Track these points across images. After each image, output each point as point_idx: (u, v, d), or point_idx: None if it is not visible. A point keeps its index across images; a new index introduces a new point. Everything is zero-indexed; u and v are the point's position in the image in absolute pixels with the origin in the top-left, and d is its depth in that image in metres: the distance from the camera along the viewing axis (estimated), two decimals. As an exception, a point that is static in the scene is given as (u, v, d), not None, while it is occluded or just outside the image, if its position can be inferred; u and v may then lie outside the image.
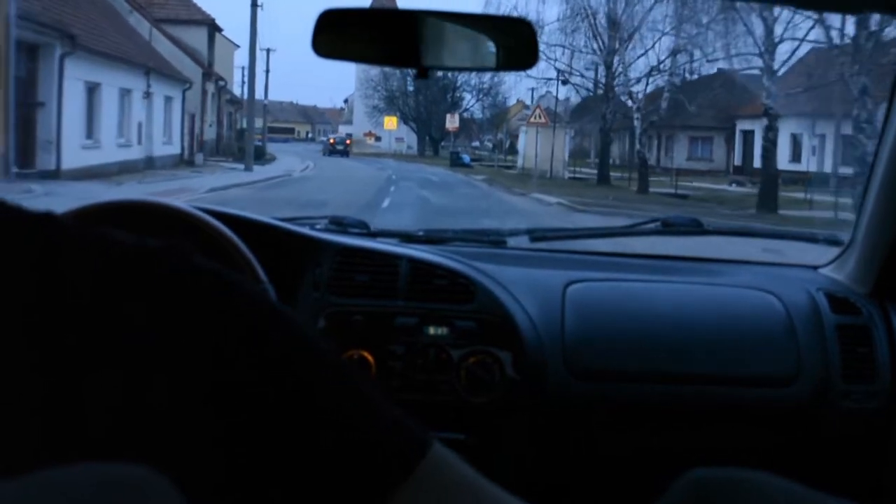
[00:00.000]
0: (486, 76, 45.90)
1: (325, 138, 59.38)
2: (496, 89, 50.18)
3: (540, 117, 30.09)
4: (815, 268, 2.16)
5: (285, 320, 0.59)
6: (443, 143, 51.56)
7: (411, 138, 54.67)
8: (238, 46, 40.12)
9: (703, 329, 1.90)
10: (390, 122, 48.93)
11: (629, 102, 27.33)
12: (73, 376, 0.53)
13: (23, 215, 0.57)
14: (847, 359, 1.88)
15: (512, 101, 52.43)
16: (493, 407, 1.79)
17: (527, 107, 43.43)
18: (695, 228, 2.29)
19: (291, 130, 73.70)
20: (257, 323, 0.58)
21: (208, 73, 33.34)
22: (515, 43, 1.39)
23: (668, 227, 2.25)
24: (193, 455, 0.55)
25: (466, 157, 41.02)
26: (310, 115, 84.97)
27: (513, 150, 47.49)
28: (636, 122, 26.24)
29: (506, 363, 1.78)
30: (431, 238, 2.10)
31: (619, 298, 1.94)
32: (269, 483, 0.55)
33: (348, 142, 54.02)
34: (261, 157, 32.96)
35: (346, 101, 55.01)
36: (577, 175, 31.86)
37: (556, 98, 32.76)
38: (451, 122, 39.03)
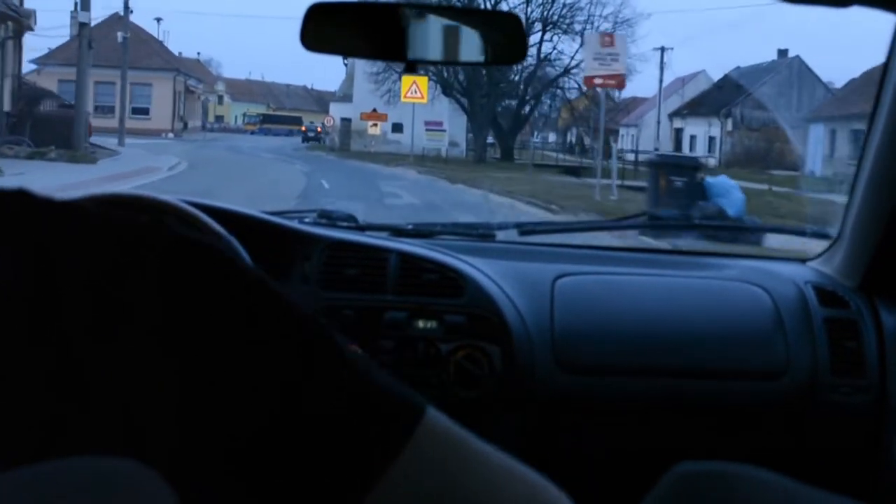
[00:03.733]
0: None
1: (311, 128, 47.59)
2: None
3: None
4: (804, 261, 2.17)
5: (281, 299, 0.58)
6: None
7: (457, 127, 32.21)
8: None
9: (691, 322, 1.90)
10: (413, 86, 25.57)
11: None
12: (71, 368, 0.53)
13: (26, 205, 0.56)
14: (835, 352, 1.89)
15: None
16: (483, 401, 1.79)
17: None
18: (683, 223, 2.29)
19: (297, 120, 58.78)
20: (253, 300, 0.57)
21: None
22: (503, 37, 1.39)
23: (657, 221, 2.25)
24: (186, 444, 0.54)
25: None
26: (327, 102, 68.70)
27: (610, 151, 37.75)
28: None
29: (495, 357, 1.78)
30: (420, 232, 2.09)
31: (608, 292, 1.94)
32: (261, 462, 0.54)
33: (318, 129, 44.17)
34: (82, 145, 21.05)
35: (345, 63, 35.40)
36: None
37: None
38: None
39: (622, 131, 43.20)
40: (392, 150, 31.46)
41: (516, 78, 33.71)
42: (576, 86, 33.43)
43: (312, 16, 1.35)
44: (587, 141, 38.41)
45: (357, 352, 0.61)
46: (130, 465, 0.49)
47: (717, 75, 42.09)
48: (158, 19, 56.73)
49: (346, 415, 0.55)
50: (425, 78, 27.59)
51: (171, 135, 40.97)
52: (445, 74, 30.86)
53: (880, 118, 1.89)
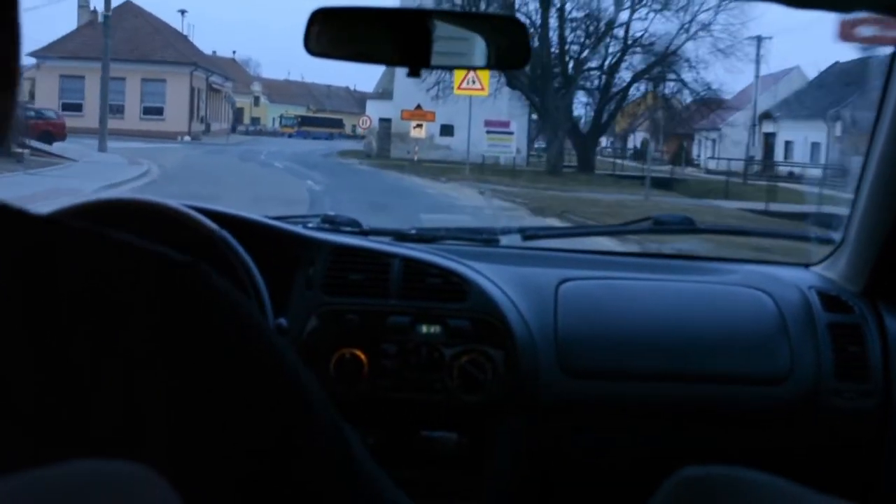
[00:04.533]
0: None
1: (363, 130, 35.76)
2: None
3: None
4: (807, 266, 2.17)
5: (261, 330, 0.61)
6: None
7: (517, 129, 24.56)
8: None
9: (695, 327, 1.90)
10: (471, 74, 20.10)
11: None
12: (70, 374, 0.53)
13: (23, 217, 0.57)
14: (839, 357, 1.89)
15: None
16: (486, 405, 1.79)
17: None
18: (687, 227, 2.29)
19: (337, 122, 54.06)
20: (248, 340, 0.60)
21: None
22: (507, 42, 1.40)
23: (660, 226, 2.25)
24: (189, 454, 0.55)
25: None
26: (373, 104, 62.57)
27: (682, 158, 32.41)
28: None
29: (498, 362, 1.78)
30: (424, 236, 2.10)
31: (611, 297, 1.94)
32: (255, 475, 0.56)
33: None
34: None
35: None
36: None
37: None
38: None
39: (698, 137, 37.43)
40: (440, 158, 25.59)
41: (598, 66, 27.26)
42: (673, 77, 26.94)
43: (316, 20, 1.35)
44: (652, 146, 32.59)
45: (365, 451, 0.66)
46: (139, 470, 0.50)
47: (811, 72, 34.66)
48: (182, 11, 51.85)
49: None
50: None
51: (187, 138, 35.07)
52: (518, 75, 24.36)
53: (884, 123, 1.89)
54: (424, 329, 1.80)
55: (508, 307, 1.83)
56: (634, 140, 40.42)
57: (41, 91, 32.58)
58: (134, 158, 20.78)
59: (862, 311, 1.95)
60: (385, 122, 30.46)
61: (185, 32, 42.63)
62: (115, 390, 0.54)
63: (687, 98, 27.45)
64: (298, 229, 1.94)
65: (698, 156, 37.56)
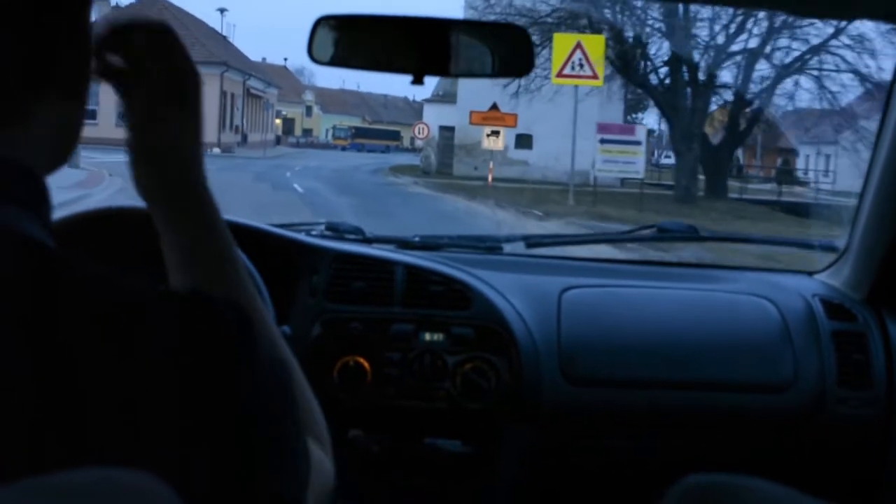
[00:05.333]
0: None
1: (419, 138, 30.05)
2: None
3: None
4: (811, 274, 2.17)
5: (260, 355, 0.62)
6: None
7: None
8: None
9: (698, 335, 1.90)
10: (577, 52, 14.89)
11: None
12: (70, 384, 0.54)
13: (26, 241, 0.58)
14: (843, 365, 1.88)
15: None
16: (489, 413, 1.79)
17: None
18: (691, 234, 2.29)
19: (394, 134, 49.73)
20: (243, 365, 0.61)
21: None
22: (511, 50, 1.40)
23: (664, 234, 2.25)
24: (187, 463, 0.55)
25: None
26: (431, 116, 55.48)
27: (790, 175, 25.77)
28: None
29: (501, 369, 1.78)
30: (427, 244, 2.10)
31: (614, 305, 1.94)
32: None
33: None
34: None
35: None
36: None
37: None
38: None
39: (805, 151, 30.02)
40: (516, 176, 19.64)
41: (734, 59, 19.36)
42: (834, 67, 18.50)
43: (320, 28, 1.35)
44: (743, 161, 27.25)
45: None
46: (144, 478, 0.50)
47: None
48: (222, 10, 48.52)
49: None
50: (600, 38, 15.97)
51: (216, 150, 29.76)
52: (625, 43, 17.84)
53: (887, 131, 1.89)
54: (428, 337, 1.80)
55: (512, 315, 1.83)
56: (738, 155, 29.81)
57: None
58: (98, 176, 16.10)
59: (866, 319, 1.94)
60: (447, 130, 24.64)
61: (224, 33, 38.78)
62: (117, 399, 0.54)
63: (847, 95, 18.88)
64: (302, 237, 1.94)
65: (805, 173, 29.79)
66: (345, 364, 1.76)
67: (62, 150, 0.68)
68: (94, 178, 15.78)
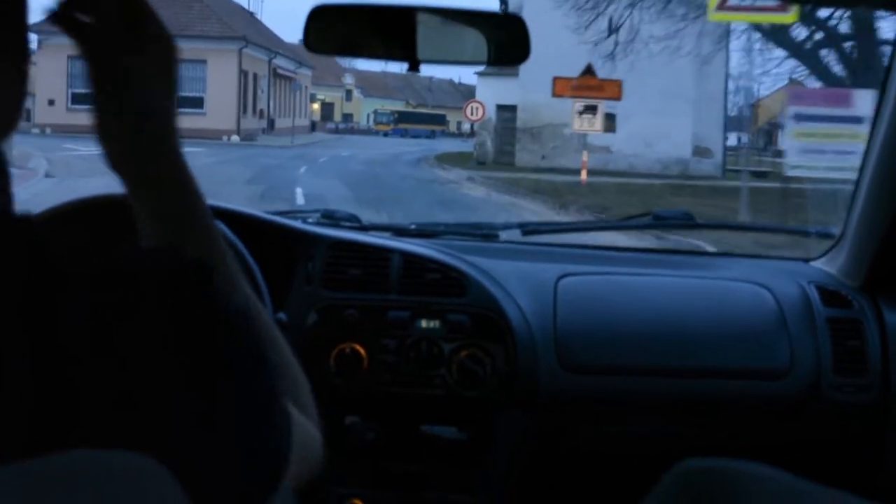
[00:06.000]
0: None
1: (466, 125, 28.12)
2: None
3: None
4: (807, 261, 2.17)
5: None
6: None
7: (707, 113, 16.58)
8: None
9: (695, 322, 1.91)
10: None
11: None
12: (62, 364, 0.54)
13: (14, 219, 0.58)
14: (838, 352, 1.89)
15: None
16: (485, 400, 1.79)
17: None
18: (687, 222, 2.29)
19: (439, 119, 47.15)
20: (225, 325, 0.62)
21: None
22: (507, 38, 1.40)
23: (660, 221, 2.25)
24: (181, 441, 0.55)
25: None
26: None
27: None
28: None
29: (497, 357, 1.78)
30: (423, 232, 2.10)
31: (611, 292, 1.94)
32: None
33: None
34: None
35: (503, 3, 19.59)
36: None
37: None
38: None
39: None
40: (597, 167, 15.00)
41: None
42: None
43: (316, 16, 1.35)
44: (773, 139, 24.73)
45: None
46: (140, 461, 0.50)
47: None
48: None
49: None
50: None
51: (235, 137, 26.45)
52: None
53: (884, 117, 1.89)
54: (424, 324, 1.80)
55: (508, 302, 1.83)
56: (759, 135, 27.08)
57: (45, 77, 22.96)
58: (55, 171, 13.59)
59: (861, 306, 1.95)
60: (506, 110, 20.51)
61: (251, 10, 35.32)
62: (111, 380, 0.55)
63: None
64: (298, 224, 1.94)
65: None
66: (341, 351, 1.77)
67: (4, 114, 0.66)
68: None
